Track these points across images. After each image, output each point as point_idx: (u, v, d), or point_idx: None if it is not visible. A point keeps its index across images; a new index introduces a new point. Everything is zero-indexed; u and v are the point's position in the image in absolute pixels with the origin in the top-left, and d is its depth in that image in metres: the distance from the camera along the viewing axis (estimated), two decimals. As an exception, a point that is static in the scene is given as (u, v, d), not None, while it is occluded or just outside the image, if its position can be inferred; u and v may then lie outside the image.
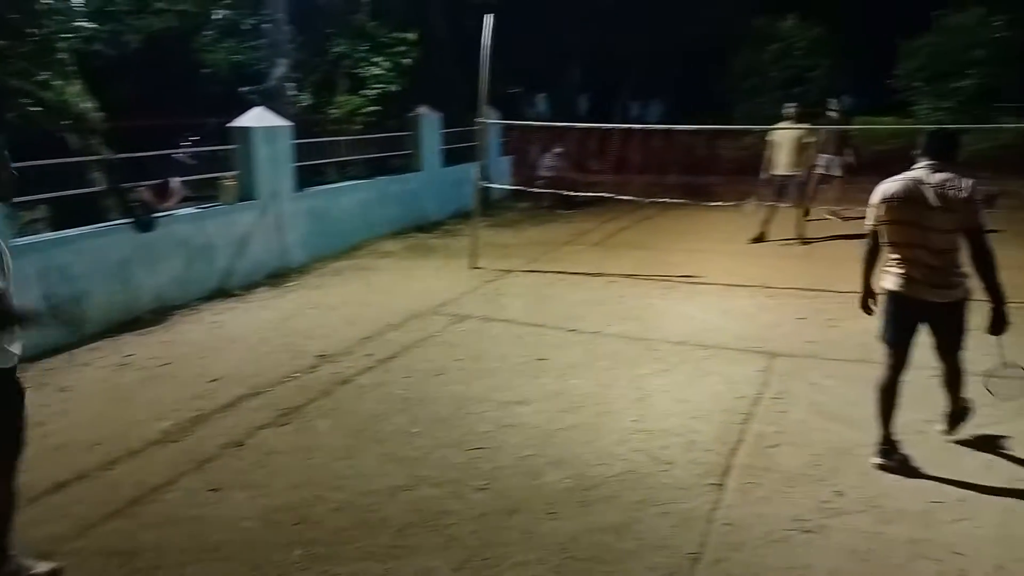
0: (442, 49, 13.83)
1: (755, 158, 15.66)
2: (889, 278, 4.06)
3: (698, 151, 16.20)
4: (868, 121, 15.81)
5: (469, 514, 3.71)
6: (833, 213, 11.58)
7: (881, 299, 4.18)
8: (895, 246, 4.00)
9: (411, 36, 11.42)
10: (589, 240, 10.90)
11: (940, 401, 4.34)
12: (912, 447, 4.20)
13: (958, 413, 4.30)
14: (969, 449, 4.23)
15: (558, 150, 14.64)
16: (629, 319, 6.87)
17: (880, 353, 4.16)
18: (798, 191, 9.99)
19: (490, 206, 12.45)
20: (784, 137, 9.91)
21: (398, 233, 11.08)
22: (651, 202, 10.52)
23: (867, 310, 4.30)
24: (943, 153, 3.94)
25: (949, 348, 4.06)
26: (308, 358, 5.94)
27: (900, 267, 4.00)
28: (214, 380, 5.51)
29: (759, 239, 10.15)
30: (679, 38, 20.67)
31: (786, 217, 10.03)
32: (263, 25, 11.13)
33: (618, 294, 7.74)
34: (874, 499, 3.74)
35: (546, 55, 20.52)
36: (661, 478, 4.01)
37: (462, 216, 11.76)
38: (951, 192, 3.80)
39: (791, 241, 10.01)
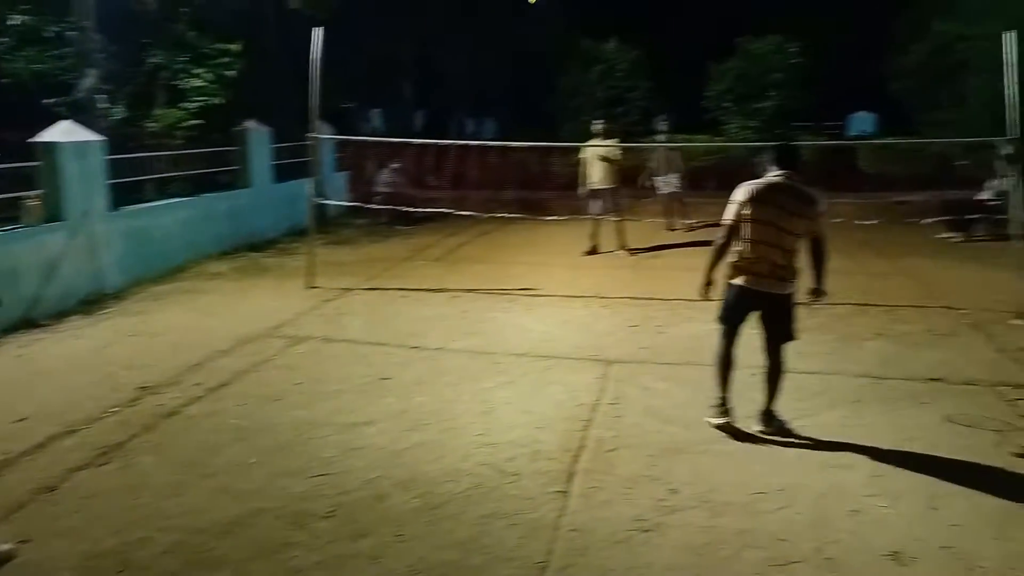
0: (270, 61, 13.36)
1: (583, 174, 16.38)
2: (736, 270, 4.49)
3: (532, 167, 16.64)
4: (684, 139, 16.91)
5: (314, 544, 3.57)
6: (672, 226, 12.34)
7: (726, 287, 4.59)
8: (749, 242, 4.40)
9: (235, 47, 10.94)
10: (430, 256, 10.89)
11: (759, 399, 4.69)
12: (734, 442, 4.52)
13: (771, 412, 4.66)
14: (785, 442, 4.58)
15: (395, 165, 14.51)
16: (472, 334, 6.92)
17: (711, 352, 4.68)
18: (614, 203, 10.49)
19: (326, 223, 12.14)
20: (595, 153, 10.37)
21: (227, 253, 10.54)
22: (489, 217, 10.67)
23: (705, 297, 4.70)
24: (791, 163, 4.45)
25: (778, 338, 4.53)
26: (129, 390, 5.49)
27: (749, 261, 4.42)
28: (21, 419, 4.97)
29: (592, 252, 10.56)
30: (507, 57, 21.26)
31: (611, 229, 10.52)
32: (68, 33, 10.26)
33: (460, 309, 7.78)
34: (705, 494, 3.97)
35: (380, 70, 20.38)
36: (508, 490, 4.05)
37: (297, 234, 11.40)
38: (803, 200, 4.33)
39: (620, 252, 10.50)
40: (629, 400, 5.26)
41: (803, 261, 4.55)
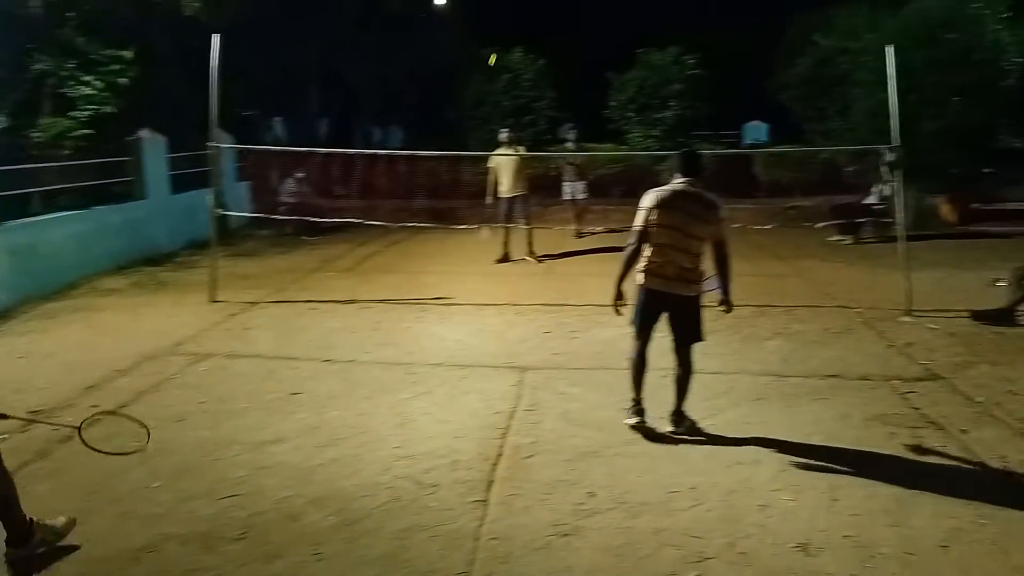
0: (165, 69, 12.81)
1: (493, 183, 16.46)
2: (646, 274, 4.63)
3: (442, 176, 16.61)
4: (589, 148, 17.26)
5: (225, 568, 3.44)
6: (580, 233, 12.58)
7: (636, 290, 4.72)
8: (656, 246, 4.56)
9: (127, 54, 10.44)
10: (339, 266, 10.69)
11: (670, 400, 4.82)
12: (646, 442, 4.64)
13: (682, 413, 4.81)
14: (694, 440, 4.72)
15: (299, 175, 14.15)
16: (386, 345, 6.83)
17: (628, 339, 4.88)
18: (524, 211, 10.65)
19: (228, 234, 11.75)
20: (503, 161, 10.52)
21: (123, 268, 10.06)
22: (400, 226, 10.57)
23: (618, 312, 4.81)
24: (694, 171, 4.63)
25: (686, 339, 4.70)
26: (19, 415, 5.14)
27: (657, 265, 4.58)
28: None
29: (504, 259, 10.63)
30: (411, 66, 21.17)
31: (522, 237, 10.64)
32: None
33: (373, 320, 7.66)
34: (621, 496, 4.05)
35: (281, 78, 19.92)
36: (427, 502, 4.01)
37: (198, 246, 11.00)
38: (706, 205, 4.50)
39: (528, 259, 10.61)
40: (545, 406, 5.31)
41: (708, 264, 4.72)
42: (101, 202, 10.57)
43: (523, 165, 10.62)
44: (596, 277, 9.52)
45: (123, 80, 10.41)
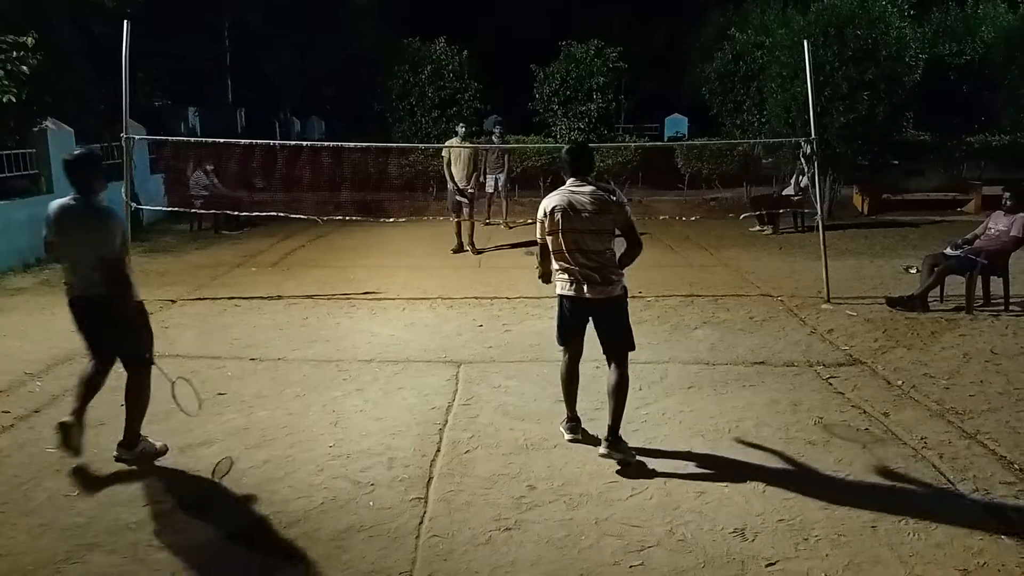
0: (70, 57, 12.13)
1: (422, 175, 16.36)
2: (558, 284, 4.47)
3: (368, 168, 16.34)
4: (515, 140, 17.27)
5: (155, 579, 3.28)
6: (505, 224, 12.65)
7: (557, 301, 4.54)
8: (558, 253, 4.37)
9: (28, 40, 9.84)
10: (263, 262, 10.38)
11: (602, 392, 4.82)
12: (590, 433, 4.65)
13: (618, 438, 4.35)
14: (631, 430, 4.76)
15: (208, 167, 13.56)
16: (315, 341, 6.67)
17: (556, 348, 4.63)
18: (472, 204, 10.68)
19: (143, 230, 11.29)
20: (458, 154, 10.53)
21: (30, 266, 9.53)
22: (326, 219, 10.34)
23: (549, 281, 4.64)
24: (585, 167, 4.41)
25: (616, 348, 4.40)
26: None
27: (565, 272, 4.39)
28: None
29: (459, 250, 10.70)
30: (334, 56, 20.69)
31: (464, 229, 10.63)
32: None
33: (301, 316, 7.47)
34: (561, 488, 4.05)
35: (196, 68, 19.19)
36: (365, 501, 3.92)
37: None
38: (602, 197, 4.27)
39: (466, 251, 10.58)
40: (482, 400, 5.28)
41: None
42: (3, 197, 9.98)
43: (476, 159, 10.69)
44: (527, 269, 9.55)
45: (24, 68, 9.81)
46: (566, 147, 4.52)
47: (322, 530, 3.66)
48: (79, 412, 4.27)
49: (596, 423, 4.82)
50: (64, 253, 4.20)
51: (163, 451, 4.41)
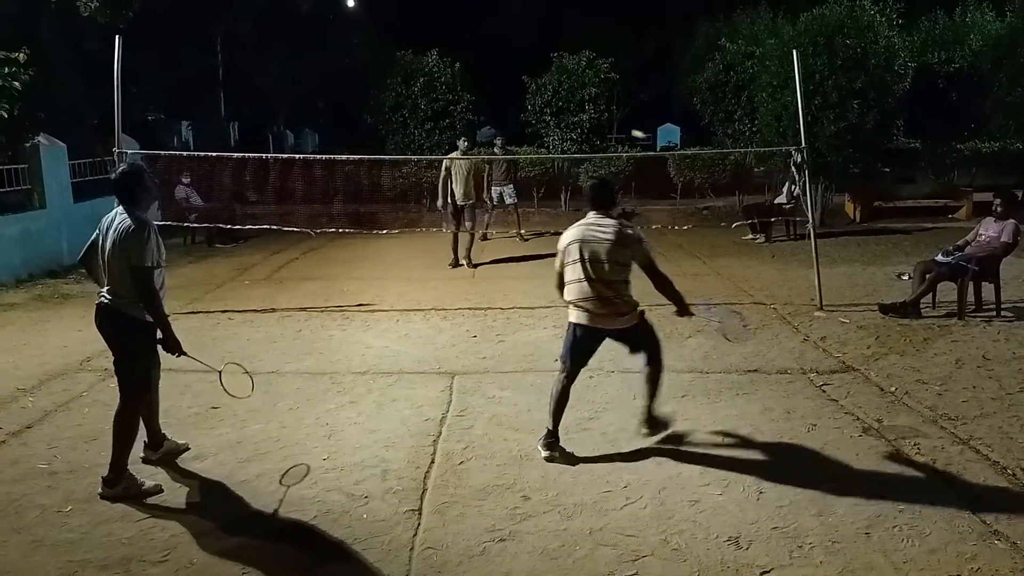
0: (62, 72, 12.14)
1: (415, 186, 16.40)
2: (574, 312, 4.51)
3: (360, 180, 16.36)
4: (509, 152, 17.32)
5: (147, 595, 3.26)
6: (520, 236, 12.72)
7: (569, 327, 4.57)
8: (581, 283, 4.42)
9: (21, 55, 9.85)
10: (256, 275, 10.37)
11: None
12: (577, 443, 4.65)
13: (654, 417, 4.67)
14: (623, 439, 4.77)
15: (186, 180, 13.46)
16: (309, 354, 6.66)
17: (556, 365, 4.62)
18: (473, 217, 10.72)
19: (137, 244, 11.20)
20: (459, 168, 10.45)
21: (23, 281, 9.52)
22: (319, 232, 10.34)
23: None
24: (606, 201, 4.55)
25: (650, 350, 4.62)
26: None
27: (587, 301, 4.43)
28: None
29: (456, 264, 10.58)
30: (326, 69, 20.77)
31: (462, 242, 10.64)
32: None
33: (294, 329, 7.46)
34: (556, 498, 4.05)
35: (188, 82, 19.22)
36: (359, 514, 3.91)
37: (103, 257, 10.47)
38: (621, 232, 4.39)
39: (462, 264, 10.57)
40: (475, 411, 5.27)
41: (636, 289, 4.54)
42: (-4, 212, 9.98)
43: (478, 171, 10.59)
44: (520, 280, 9.57)
45: (16, 83, 9.81)
46: (588, 182, 4.73)
47: (316, 543, 3.65)
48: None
49: (588, 433, 4.84)
50: (104, 261, 4.27)
51: (153, 491, 4.16)
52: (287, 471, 4.31)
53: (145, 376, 4.32)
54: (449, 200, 10.50)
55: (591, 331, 4.49)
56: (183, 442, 4.68)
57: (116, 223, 4.20)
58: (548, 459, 4.50)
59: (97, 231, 4.31)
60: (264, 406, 5.40)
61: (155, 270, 4.14)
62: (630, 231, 4.46)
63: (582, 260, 4.41)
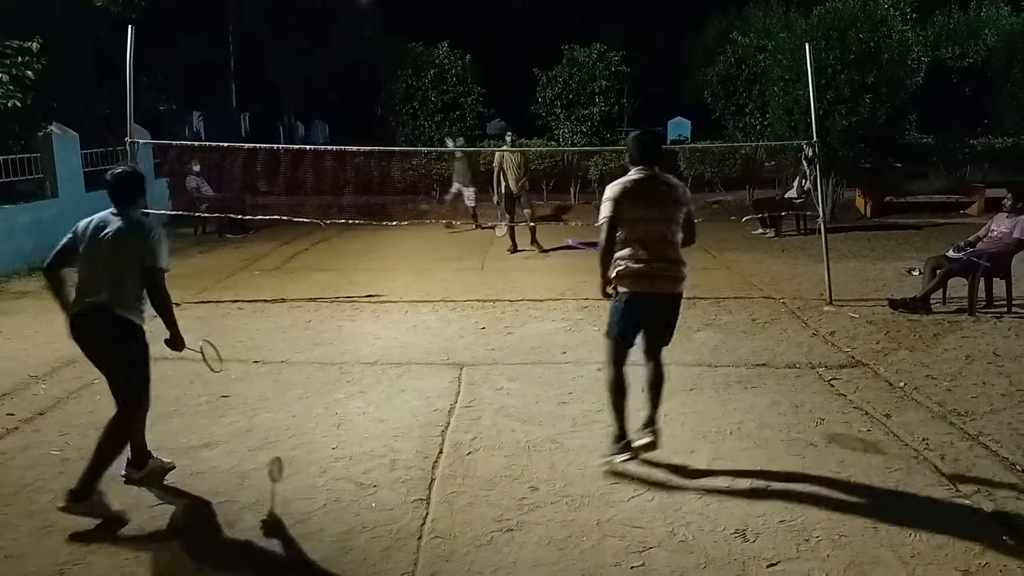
0: (74, 62, 12.19)
1: (424, 178, 16.41)
2: (631, 278, 4.10)
3: (371, 171, 16.38)
4: (520, 144, 17.30)
5: (158, 580, 3.29)
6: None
7: (617, 298, 4.20)
8: (639, 242, 4.06)
9: (33, 45, 9.90)
10: (266, 265, 10.42)
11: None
12: (586, 435, 4.66)
13: (656, 428, 4.33)
14: (633, 430, 4.74)
15: (196, 168, 13.57)
16: (318, 344, 6.69)
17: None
18: (528, 205, 11.27)
19: (148, 234, 11.26)
20: (510, 161, 11.05)
21: (35, 269, 9.54)
22: (328, 223, 10.37)
23: (607, 295, 4.28)
24: (657, 156, 4.22)
25: (660, 343, 4.32)
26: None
27: (645, 264, 4.05)
28: None
29: (514, 250, 11.06)
30: (337, 60, 20.77)
31: (521, 230, 11.19)
32: None
33: (303, 319, 7.49)
34: (563, 489, 4.05)
35: (200, 73, 19.28)
36: (367, 503, 3.94)
37: (114, 246, 10.53)
38: (675, 188, 4.17)
39: (520, 251, 11.00)
40: (484, 402, 5.28)
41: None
42: (8, 201, 10.04)
43: (526, 162, 11.27)
44: (529, 273, 9.59)
45: (29, 73, 9.87)
46: (633, 134, 4.31)
47: (325, 531, 3.67)
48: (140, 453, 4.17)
49: (596, 425, 4.83)
50: (90, 264, 3.99)
51: (121, 516, 3.76)
52: (271, 468, 3.94)
53: (148, 380, 4.12)
54: (502, 191, 11.17)
55: (646, 299, 4.12)
56: (169, 460, 4.33)
57: (112, 225, 3.95)
58: (628, 461, 4.17)
59: (70, 236, 4.03)
60: (274, 395, 5.44)
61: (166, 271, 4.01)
62: (684, 188, 4.25)
63: (644, 219, 4.05)
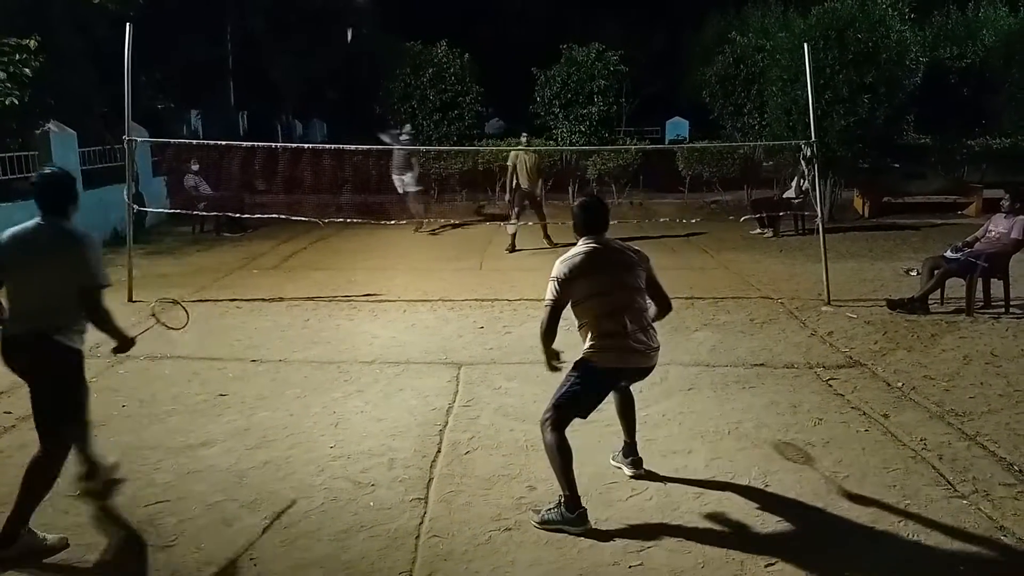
0: (72, 60, 12.17)
1: (422, 177, 16.37)
2: (600, 352, 3.72)
3: (369, 171, 16.35)
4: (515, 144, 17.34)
5: (155, 578, 3.29)
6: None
7: (582, 373, 3.77)
8: (597, 319, 3.71)
9: (31, 42, 9.88)
10: (264, 264, 10.40)
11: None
12: (584, 435, 4.64)
13: (635, 450, 4.21)
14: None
15: (195, 167, 13.55)
16: (316, 343, 6.68)
17: (549, 415, 3.77)
18: (542, 200, 11.51)
19: (145, 231, 11.31)
20: (523, 161, 11.19)
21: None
22: (327, 222, 10.36)
23: (556, 369, 3.84)
24: (602, 224, 3.84)
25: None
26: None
27: (614, 339, 3.69)
28: None
29: (512, 249, 11.14)
30: (332, 60, 20.75)
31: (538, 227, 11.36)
32: None
33: (302, 318, 7.48)
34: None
35: (198, 71, 19.23)
36: (365, 502, 3.93)
37: (112, 244, 10.54)
38: (632, 253, 3.83)
39: (519, 250, 11.08)
40: (482, 401, 5.29)
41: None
42: (6, 199, 10.02)
43: (539, 161, 11.47)
44: (527, 272, 9.57)
45: (26, 70, 9.84)
46: (578, 201, 3.94)
47: (322, 530, 3.67)
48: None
49: (593, 426, 4.78)
50: (19, 282, 3.55)
51: (59, 546, 3.46)
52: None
53: (86, 411, 3.74)
54: (514, 190, 11.30)
55: (623, 374, 3.84)
56: (113, 459, 4.05)
57: (39, 239, 3.52)
58: (584, 532, 3.60)
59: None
60: (272, 394, 5.44)
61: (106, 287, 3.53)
62: (642, 252, 3.90)
63: (606, 292, 3.69)
